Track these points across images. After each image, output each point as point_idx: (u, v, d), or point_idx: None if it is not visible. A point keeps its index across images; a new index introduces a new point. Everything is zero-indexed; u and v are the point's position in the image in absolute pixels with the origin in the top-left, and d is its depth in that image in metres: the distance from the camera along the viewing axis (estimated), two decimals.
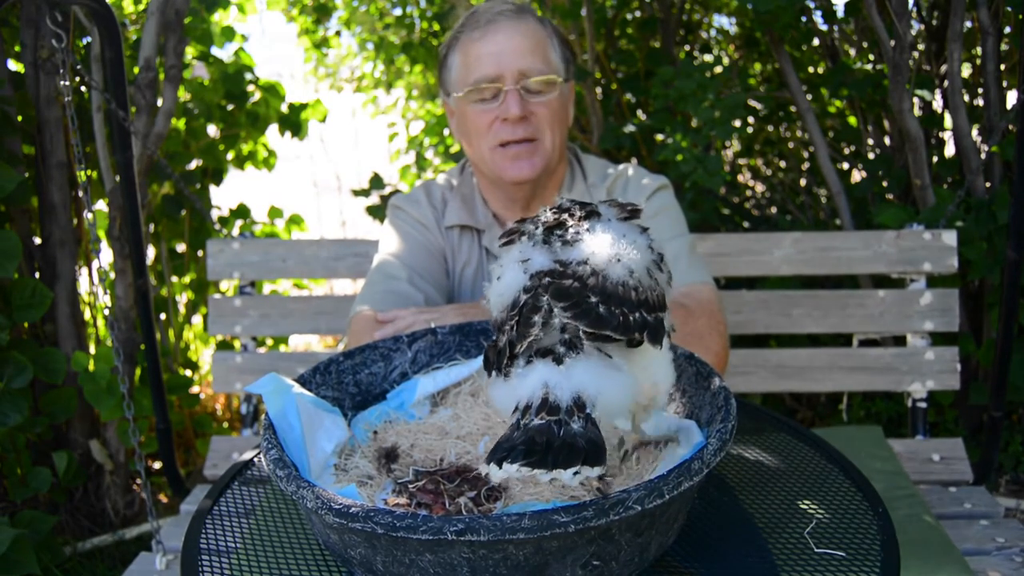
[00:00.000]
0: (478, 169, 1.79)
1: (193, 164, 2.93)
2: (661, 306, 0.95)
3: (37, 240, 2.49)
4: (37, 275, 2.48)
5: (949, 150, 2.73)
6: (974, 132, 2.48)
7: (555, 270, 0.91)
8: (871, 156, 2.93)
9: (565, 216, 0.97)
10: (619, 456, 1.07)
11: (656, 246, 0.98)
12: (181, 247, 3.03)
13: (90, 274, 2.64)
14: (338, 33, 4.28)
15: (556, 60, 1.67)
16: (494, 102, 1.64)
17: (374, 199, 3.07)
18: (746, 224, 3.14)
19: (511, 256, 0.97)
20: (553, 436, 0.82)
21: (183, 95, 2.87)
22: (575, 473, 0.79)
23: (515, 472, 0.79)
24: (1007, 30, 2.58)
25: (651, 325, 0.91)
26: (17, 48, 2.41)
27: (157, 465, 2.91)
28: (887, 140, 2.87)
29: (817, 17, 2.87)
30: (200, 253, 3.02)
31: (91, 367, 2.22)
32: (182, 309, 3.15)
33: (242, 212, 3.03)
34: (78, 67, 2.11)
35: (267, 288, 3.42)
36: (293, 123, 3.06)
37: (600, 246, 0.93)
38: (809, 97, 2.85)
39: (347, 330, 1.69)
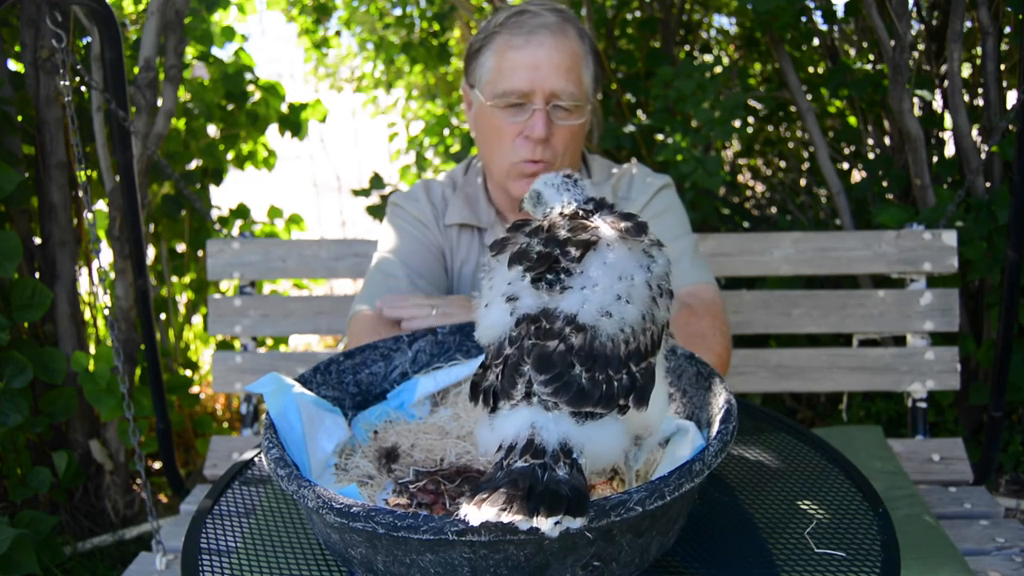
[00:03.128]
0: (486, 168, 1.79)
1: (193, 164, 2.93)
2: (656, 344, 0.91)
3: (37, 240, 2.49)
4: (37, 275, 2.48)
5: (949, 150, 2.73)
6: (974, 132, 2.48)
7: (541, 325, 0.87)
8: (871, 156, 2.93)
9: (557, 252, 0.91)
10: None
11: (658, 272, 0.92)
12: (181, 247, 3.02)
13: (90, 274, 2.64)
14: (338, 33, 4.28)
15: (588, 81, 1.65)
16: (520, 114, 1.62)
17: (374, 199, 3.07)
18: (746, 224, 3.13)
19: (500, 284, 0.93)
20: (536, 481, 0.78)
21: (183, 95, 2.87)
22: (556, 523, 0.75)
23: (493, 517, 0.75)
24: (1007, 30, 2.58)
25: (638, 387, 0.87)
26: (17, 48, 2.41)
27: (157, 465, 2.91)
28: (887, 140, 2.87)
29: (817, 17, 2.87)
30: (200, 253, 3.02)
31: (91, 367, 2.22)
32: (182, 309, 3.15)
33: (242, 212, 3.03)
34: (78, 67, 2.11)
35: (267, 288, 3.42)
36: (293, 123, 3.05)
37: (593, 295, 0.88)
38: (809, 97, 2.85)
39: (347, 330, 1.69)
